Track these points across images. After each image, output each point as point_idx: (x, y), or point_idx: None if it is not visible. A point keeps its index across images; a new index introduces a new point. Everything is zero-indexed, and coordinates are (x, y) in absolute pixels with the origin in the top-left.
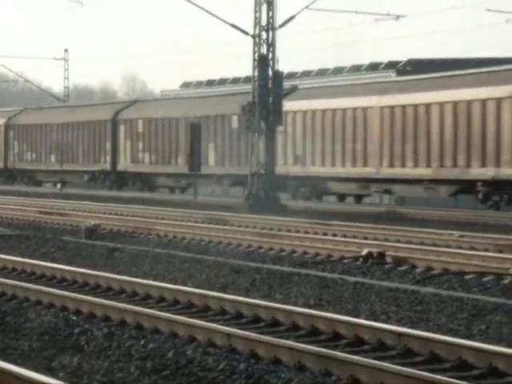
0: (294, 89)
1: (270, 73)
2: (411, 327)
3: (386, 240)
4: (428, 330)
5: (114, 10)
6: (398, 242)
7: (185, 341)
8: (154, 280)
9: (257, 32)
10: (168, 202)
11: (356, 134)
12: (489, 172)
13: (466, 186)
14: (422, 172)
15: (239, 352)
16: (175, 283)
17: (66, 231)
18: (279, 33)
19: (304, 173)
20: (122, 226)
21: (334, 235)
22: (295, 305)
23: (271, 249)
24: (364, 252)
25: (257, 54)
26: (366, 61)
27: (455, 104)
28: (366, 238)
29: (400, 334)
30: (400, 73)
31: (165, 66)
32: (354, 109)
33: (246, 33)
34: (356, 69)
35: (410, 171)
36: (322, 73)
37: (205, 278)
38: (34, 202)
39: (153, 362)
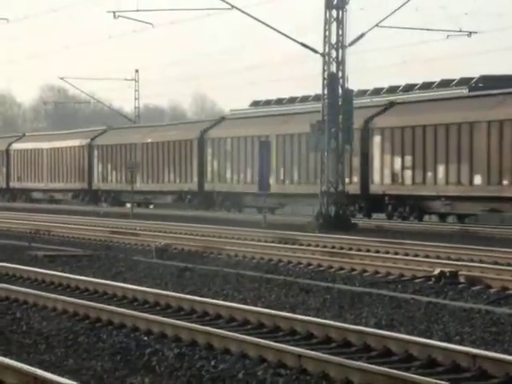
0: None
1: (340, 91)
2: (486, 349)
3: (459, 259)
4: (503, 352)
5: (182, 31)
6: (471, 261)
7: (255, 361)
8: (224, 300)
9: (326, 50)
10: (237, 221)
11: None
12: None
13: None
14: None
15: (310, 373)
16: (245, 303)
17: (137, 251)
18: (349, 51)
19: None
20: (193, 245)
21: (406, 254)
22: (366, 325)
23: (342, 268)
24: (436, 271)
25: (326, 73)
26: (437, 78)
27: None
28: (438, 257)
29: (475, 356)
30: (472, 89)
31: (234, 86)
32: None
33: (315, 51)
34: (427, 86)
35: None
36: (392, 90)
37: (274, 298)
38: (107, 222)
39: (223, 382)
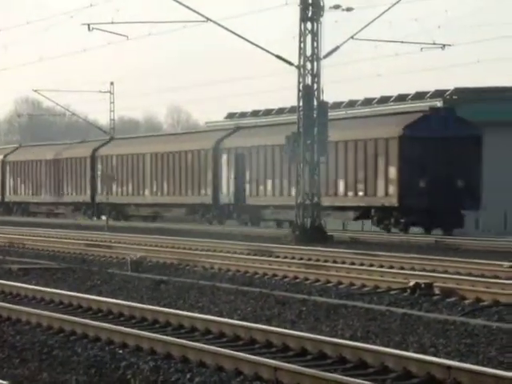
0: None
1: (315, 103)
2: (461, 360)
3: (434, 271)
4: (478, 364)
5: (156, 43)
6: (445, 272)
7: (231, 374)
8: (200, 312)
9: (301, 63)
10: (214, 233)
11: None
12: None
13: None
14: None
15: None
16: (221, 315)
17: (112, 264)
18: (324, 63)
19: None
20: (168, 258)
21: (381, 266)
22: (342, 337)
23: (317, 280)
24: (411, 283)
25: (302, 85)
26: (412, 90)
27: None
28: (413, 269)
29: (449, 367)
30: (447, 101)
31: (208, 98)
32: None
33: (291, 63)
34: (402, 98)
35: None
36: (367, 102)
37: (250, 310)
38: (82, 235)
39: None
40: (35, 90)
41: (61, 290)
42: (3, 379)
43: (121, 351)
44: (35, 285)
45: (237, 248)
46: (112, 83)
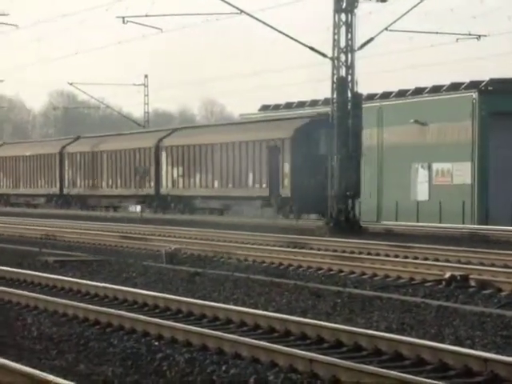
0: None
1: (349, 95)
2: (497, 352)
3: (469, 263)
4: None
5: (191, 35)
6: (481, 264)
7: (266, 366)
8: (235, 305)
9: (335, 54)
10: (247, 225)
11: None
12: None
13: None
14: None
15: (321, 377)
16: (256, 308)
17: (147, 256)
18: (358, 55)
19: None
20: (202, 250)
21: (416, 258)
22: (377, 329)
23: (352, 272)
24: (447, 275)
25: (336, 77)
26: (447, 81)
27: None
28: (448, 261)
29: (486, 360)
30: (482, 92)
31: (243, 90)
32: None
33: (324, 55)
34: (437, 89)
35: None
36: (402, 94)
37: (285, 303)
38: (117, 227)
39: None
40: (70, 83)
41: (96, 282)
42: (42, 371)
43: (156, 343)
44: (71, 277)
45: (271, 240)
46: (146, 76)
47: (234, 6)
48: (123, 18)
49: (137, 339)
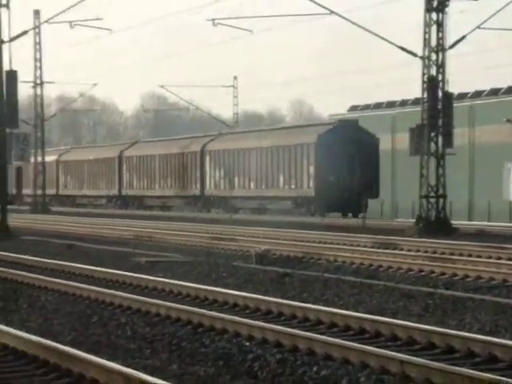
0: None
1: (440, 94)
2: None
3: None
4: None
5: (280, 37)
6: None
7: (357, 367)
8: (325, 305)
9: (426, 54)
10: (336, 226)
11: None
12: None
13: None
14: None
15: (413, 379)
16: (346, 309)
17: (236, 257)
18: (449, 53)
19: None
20: (292, 251)
21: (510, 259)
22: (470, 331)
23: (443, 273)
24: None
25: (426, 76)
26: None
27: None
28: None
29: None
30: None
31: (332, 90)
32: None
33: (415, 54)
34: None
35: None
36: (494, 92)
37: (375, 304)
38: (206, 228)
39: None
40: (161, 86)
41: (187, 282)
42: (136, 370)
43: (247, 343)
44: (163, 277)
45: (360, 241)
46: (235, 77)
47: (323, 7)
48: (213, 20)
49: (228, 339)
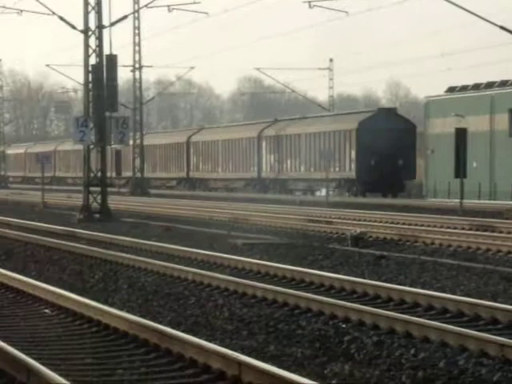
0: None
1: None
2: None
3: None
4: None
5: (378, 18)
6: None
7: (456, 350)
8: (422, 288)
9: None
10: (432, 208)
11: None
12: None
13: None
14: None
15: None
16: (443, 291)
17: (332, 239)
18: None
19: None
20: (388, 233)
21: None
22: None
23: None
24: None
25: None
26: None
27: None
28: None
29: None
30: None
31: (429, 72)
32: None
33: None
34: None
35: None
36: None
37: (474, 287)
38: (302, 211)
39: (424, 371)
40: (257, 69)
41: (283, 264)
42: (234, 351)
43: (344, 325)
44: (259, 259)
45: (457, 223)
46: (331, 60)
47: None
48: (309, 2)
49: (324, 321)
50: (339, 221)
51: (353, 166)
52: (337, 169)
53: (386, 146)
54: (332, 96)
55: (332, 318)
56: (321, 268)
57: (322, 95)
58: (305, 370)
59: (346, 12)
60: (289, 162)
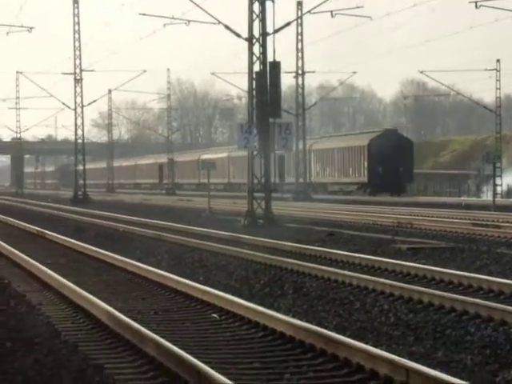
0: None
1: None
2: None
3: None
4: None
5: None
6: None
7: None
8: None
9: None
10: None
11: None
12: None
13: None
14: None
15: None
16: None
17: (500, 243)
18: None
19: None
20: None
21: None
22: None
23: None
24: None
25: None
26: None
27: None
28: None
29: None
30: None
31: None
32: None
33: None
34: None
35: None
36: None
37: None
38: (467, 215)
39: None
40: (421, 71)
41: (449, 269)
42: (400, 356)
43: None
44: (424, 264)
45: None
46: (498, 60)
47: None
48: (476, 2)
49: (494, 328)
50: (508, 225)
51: (365, 172)
52: (356, 175)
53: (390, 157)
54: (499, 97)
55: (502, 324)
56: (489, 273)
57: (488, 97)
58: (475, 377)
59: None
60: (327, 170)
